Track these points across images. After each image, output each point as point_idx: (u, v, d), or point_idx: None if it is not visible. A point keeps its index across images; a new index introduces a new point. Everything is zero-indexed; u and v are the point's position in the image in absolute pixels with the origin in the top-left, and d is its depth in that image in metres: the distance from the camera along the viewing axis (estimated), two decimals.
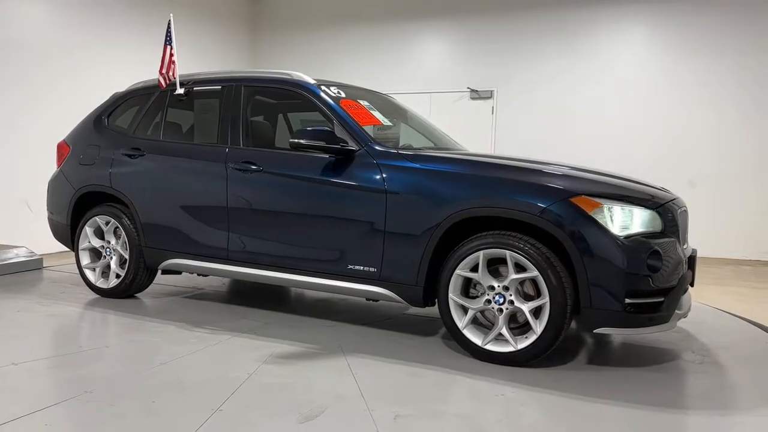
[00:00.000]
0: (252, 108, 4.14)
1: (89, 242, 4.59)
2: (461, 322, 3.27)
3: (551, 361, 3.22)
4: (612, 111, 8.38)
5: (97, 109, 4.83)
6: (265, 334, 3.63)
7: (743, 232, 7.78)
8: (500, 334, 3.19)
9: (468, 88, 8.99)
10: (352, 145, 3.59)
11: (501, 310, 3.18)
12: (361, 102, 3.98)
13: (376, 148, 3.56)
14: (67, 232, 4.73)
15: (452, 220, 3.25)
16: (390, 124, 4.01)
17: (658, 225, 3.15)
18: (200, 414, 2.46)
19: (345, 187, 3.57)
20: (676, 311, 3.13)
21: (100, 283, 4.57)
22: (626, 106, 8.32)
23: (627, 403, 2.71)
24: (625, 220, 3.05)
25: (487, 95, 8.98)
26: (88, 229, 4.59)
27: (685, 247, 3.41)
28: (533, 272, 3.07)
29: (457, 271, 3.26)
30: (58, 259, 6.11)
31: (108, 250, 4.54)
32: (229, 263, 4.01)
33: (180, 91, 4.34)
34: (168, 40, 4.40)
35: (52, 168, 4.93)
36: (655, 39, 8.22)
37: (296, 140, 3.49)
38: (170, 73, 4.39)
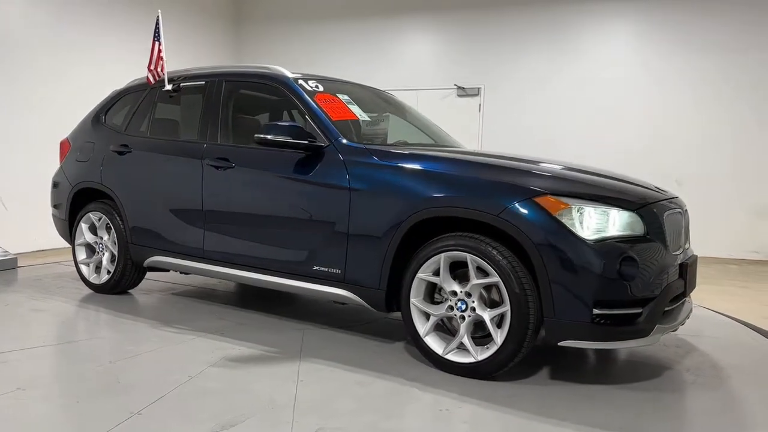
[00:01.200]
0: (232, 103, 4.06)
1: (84, 238, 4.64)
2: (423, 329, 3.06)
3: (518, 374, 2.97)
4: (598, 109, 8.34)
5: (96, 107, 4.89)
6: (233, 336, 3.53)
7: (729, 231, 7.78)
8: (462, 344, 2.96)
9: (455, 85, 8.93)
10: (321, 141, 3.44)
11: (463, 318, 2.96)
12: (340, 96, 3.82)
13: (344, 143, 3.40)
14: (66, 228, 4.81)
15: (414, 220, 3.05)
16: (367, 118, 3.84)
17: (638, 228, 2.84)
18: (116, 417, 2.36)
19: (311, 185, 3.43)
20: (658, 325, 2.82)
21: (93, 279, 4.61)
22: (613, 104, 8.29)
23: (582, 425, 2.44)
24: (597, 223, 2.76)
25: (474, 92, 8.89)
26: (83, 225, 4.64)
27: (680, 252, 3.08)
28: (495, 278, 2.83)
29: (419, 275, 3.05)
30: (34, 258, 6.08)
31: (101, 246, 4.57)
32: (205, 262, 3.94)
33: (168, 87, 4.32)
34: (156, 37, 4.38)
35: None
36: (640, 36, 8.20)
37: (262, 135, 3.37)
38: (158, 69, 4.37)
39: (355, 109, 3.76)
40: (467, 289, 2.94)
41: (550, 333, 2.78)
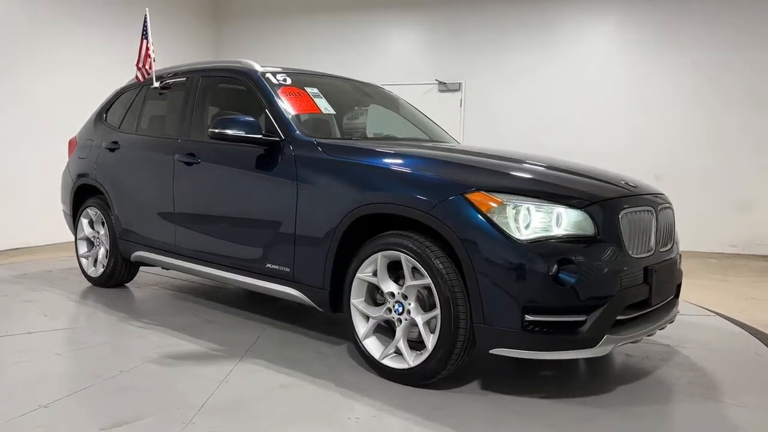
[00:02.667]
0: (206, 99, 4.05)
1: (84, 232, 4.78)
2: (362, 331, 2.91)
3: (461, 382, 2.77)
4: (580, 104, 8.32)
5: (100, 105, 5.03)
6: (192, 333, 3.49)
7: (707, 225, 7.79)
8: (399, 348, 2.80)
9: (436, 80, 8.83)
10: (277, 136, 3.35)
11: (400, 321, 2.79)
12: (308, 90, 3.71)
13: (296, 137, 3.29)
14: (71, 222, 4.98)
15: (352, 217, 2.90)
16: (332, 111, 3.70)
17: (587, 227, 2.57)
18: (23, 408, 2.37)
19: (265, 181, 3.34)
20: (609, 335, 2.54)
21: (91, 272, 4.74)
22: (594, 99, 8.27)
23: None
24: (537, 221, 2.52)
25: (456, 88, 8.77)
26: (83, 220, 4.78)
27: (648, 254, 2.76)
28: (427, 279, 2.65)
29: (359, 275, 2.90)
30: (6, 258, 6.03)
31: (98, 240, 4.70)
32: (177, 258, 3.95)
33: (156, 85, 4.36)
34: (144, 35, 4.44)
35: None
36: (621, 33, 8.19)
37: (214, 129, 3.32)
38: (146, 67, 4.43)
39: (321, 103, 3.64)
40: (403, 290, 2.77)
41: (481, 340, 2.56)
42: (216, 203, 3.65)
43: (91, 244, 4.80)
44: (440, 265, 2.58)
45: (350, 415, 2.43)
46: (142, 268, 4.62)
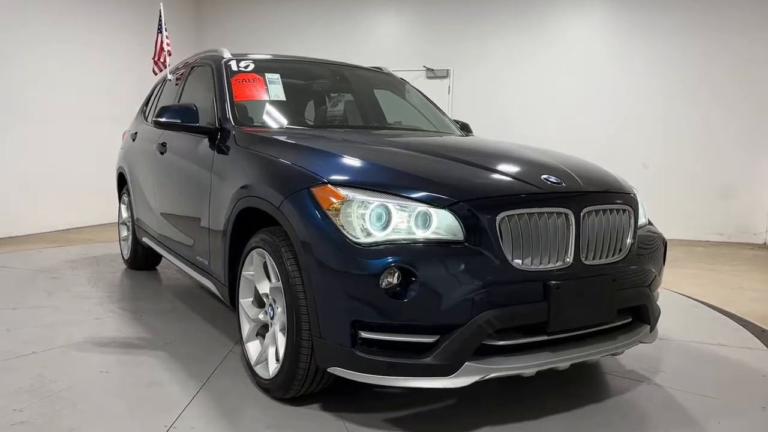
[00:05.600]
0: (191, 88, 4.06)
1: (122, 217, 5.13)
2: (245, 333, 2.71)
3: (331, 400, 2.45)
4: (567, 92, 8.34)
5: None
6: (142, 322, 3.52)
7: (694, 213, 7.90)
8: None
9: (424, 66, 8.76)
10: (216, 125, 3.24)
11: (272, 325, 2.54)
12: (269, 76, 3.54)
13: (225, 126, 3.14)
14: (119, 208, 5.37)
15: (236, 210, 2.70)
16: (282, 99, 3.48)
17: (455, 231, 2.11)
18: None
19: (196, 171, 3.26)
20: (469, 363, 2.07)
21: (125, 254, 5.08)
22: (581, 88, 8.31)
23: None
24: (390, 220, 2.11)
25: (443, 74, 8.66)
26: (122, 206, 5.13)
27: (552, 265, 2.19)
28: (279, 281, 2.38)
29: (244, 273, 2.70)
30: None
31: (129, 225, 5.01)
32: (159, 246, 4.05)
33: (170, 77, 4.51)
34: (159, 29, 4.59)
35: None
36: (610, 21, 8.22)
37: (156, 118, 3.30)
38: (162, 61, 4.59)
39: (274, 90, 3.46)
40: (269, 292, 2.52)
41: (318, 356, 2.23)
42: (172, 192, 3.67)
43: (127, 228, 5.13)
44: (289, 268, 2.29)
45: (168, 422, 2.25)
46: None
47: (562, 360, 2.22)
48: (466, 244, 2.09)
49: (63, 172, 7.34)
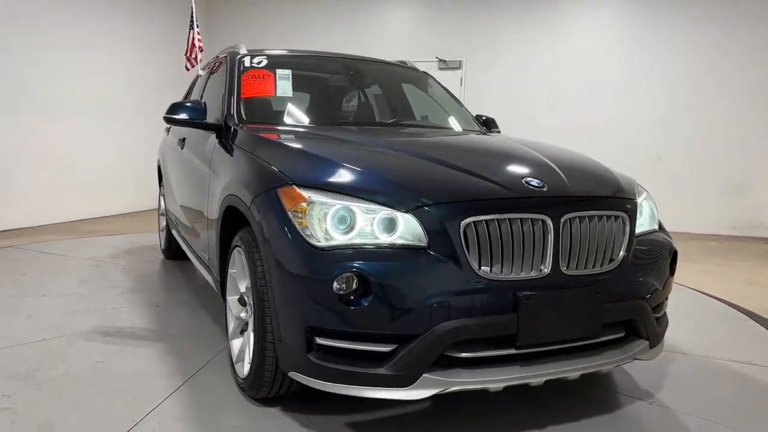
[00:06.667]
0: (213, 85, 4.11)
1: (161, 208, 5.31)
2: (230, 330, 2.72)
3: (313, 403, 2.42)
4: (580, 83, 8.27)
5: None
6: (159, 313, 3.64)
7: (706, 207, 7.83)
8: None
9: (436, 58, 8.69)
10: (222, 121, 3.26)
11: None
12: (279, 72, 3.53)
13: (228, 122, 3.16)
14: None
15: (222, 208, 2.71)
16: (288, 95, 3.45)
17: (420, 236, 2.02)
18: None
19: (198, 166, 3.32)
20: (429, 375, 1.98)
21: (162, 245, 5.25)
22: (594, 79, 8.23)
23: None
24: (353, 224, 2.04)
25: (456, 65, 8.59)
26: (160, 197, 5.30)
27: (526, 274, 2.05)
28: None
29: (230, 270, 2.71)
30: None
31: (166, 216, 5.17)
32: (179, 236, 4.15)
33: (201, 73, 4.60)
34: (191, 25, 4.69)
35: None
36: (623, 10, 8.10)
37: (167, 115, 3.36)
38: (193, 56, 4.69)
39: (282, 86, 3.44)
40: (245, 291, 2.51)
41: (280, 358, 2.19)
42: (185, 187, 3.74)
43: (164, 219, 5.29)
44: (258, 268, 2.27)
45: (137, 417, 2.29)
46: None
47: (533, 376, 2.08)
48: (429, 250, 1.99)
49: (79, 164, 7.46)
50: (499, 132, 3.91)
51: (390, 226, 2.03)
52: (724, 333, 3.60)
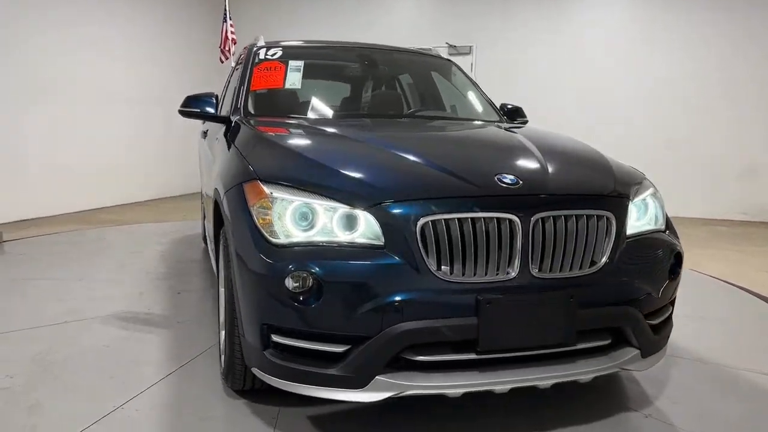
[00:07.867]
0: (238, 76, 4.17)
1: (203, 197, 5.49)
2: (220, 320, 2.76)
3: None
4: (593, 69, 8.30)
5: None
6: (177, 300, 3.76)
7: (717, 192, 7.80)
8: None
9: (447, 43, 8.67)
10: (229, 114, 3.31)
11: None
12: (292, 63, 3.53)
13: (235, 115, 3.19)
14: None
15: (213, 200, 2.75)
16: (296, 87, 3.43)
17: (378, 235, 1.96)
18: None
19: (209, 157, 3.39)
20: (383, 378, 1.93)
21: (202, 233, 5.43)
22: (604, 64, 8.25)
23: None
24: (313, 221, 2.02)
25: (466, 51, 8.59)
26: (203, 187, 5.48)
27: (491, 277, 1.95)
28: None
29: (219, 263, 2.75)
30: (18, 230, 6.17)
31: None
32: (204, 228, 4.26)
33: (234, 65, 4.69)
34: (225, 18, 4.78)
35: None
36: None
37: (181, 108, 3.44)
38: (227, 48, 4.79)
39: (291, 78, 3.44)
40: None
41: (244, 353, 2.20)
42: (205, 178, 3.83)
43: None
44: (230, 262, 2.29)
45: (118, 402, 2.37)
46: None
47: (495, 383, 1.99)
48: (385, 249, 1.93)
49: (92, 154, 7.52)
50: (526, 122, 3.74)
51: (350, 223, 1.99)
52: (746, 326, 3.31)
